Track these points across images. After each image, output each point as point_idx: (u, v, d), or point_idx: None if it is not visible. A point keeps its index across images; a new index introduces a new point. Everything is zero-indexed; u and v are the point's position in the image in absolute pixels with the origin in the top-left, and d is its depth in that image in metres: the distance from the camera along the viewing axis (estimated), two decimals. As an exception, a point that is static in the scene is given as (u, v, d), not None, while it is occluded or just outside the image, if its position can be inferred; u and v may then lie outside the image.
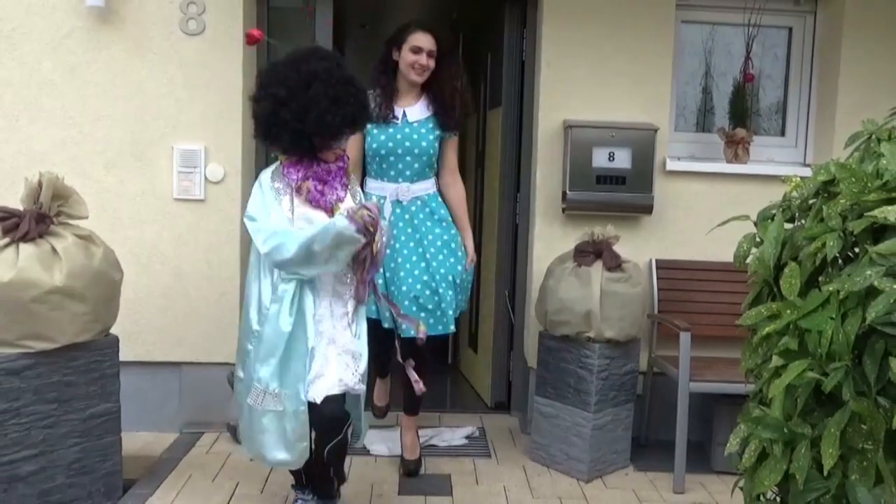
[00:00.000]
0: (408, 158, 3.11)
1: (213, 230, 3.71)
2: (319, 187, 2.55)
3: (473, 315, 4.71)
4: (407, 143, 3.10)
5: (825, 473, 1.48)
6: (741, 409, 1.84)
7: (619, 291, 3.29)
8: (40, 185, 2.69)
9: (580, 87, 3.77)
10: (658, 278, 3.76)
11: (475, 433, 3.88)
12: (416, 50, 3.07)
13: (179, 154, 3.66)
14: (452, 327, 3.17)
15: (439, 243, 3.15)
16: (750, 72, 3.95)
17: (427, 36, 3.08)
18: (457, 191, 3.32)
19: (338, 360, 2.54)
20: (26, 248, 2.60)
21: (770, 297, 1.78)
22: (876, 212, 1.48)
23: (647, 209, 3.75)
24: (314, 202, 2.54)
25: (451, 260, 3.16)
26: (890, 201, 1.50)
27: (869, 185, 1.58)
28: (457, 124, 3.22)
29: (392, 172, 3.13)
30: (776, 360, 1.61)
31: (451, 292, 3.13)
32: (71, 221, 2.77)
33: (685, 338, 3.23)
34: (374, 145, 3.11)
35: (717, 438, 3.44)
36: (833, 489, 1.51)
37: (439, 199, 3.24)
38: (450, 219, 3.23)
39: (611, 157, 3.69)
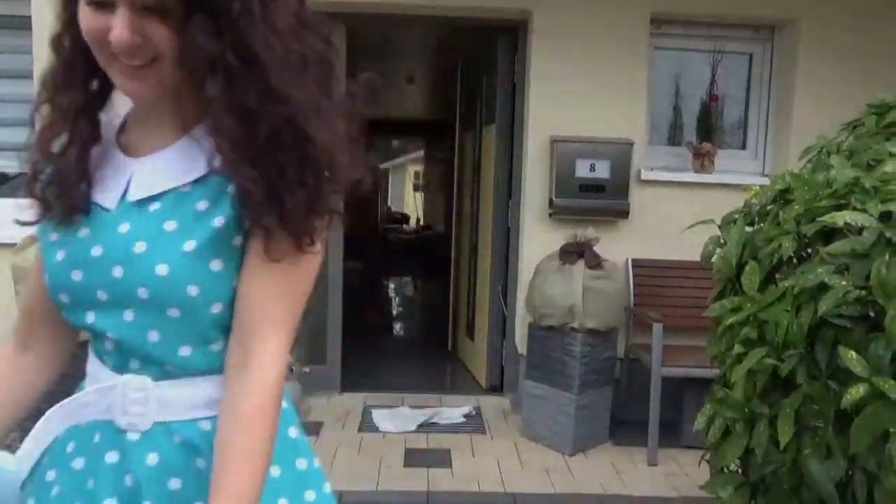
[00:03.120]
0: (125, 312, 0.82)
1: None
2: None
3: (470, 307, 4.70)
4: (116, 273, 0.80)
5: (781, 448, 1.48)
6: (707, 391, 1.84)
7: (599, 287, 3.29)
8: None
9: (565, 107, 3.76)
10: (634, 275, 3.76)
11: (472, 412, 3.87)
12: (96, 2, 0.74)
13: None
14: None
15: None
16: (715, 93, 3.95)
17: None
18: (250, 407, 0.80)
19: None
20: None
21: (732, 291, 1.78)
22: (826, 217, 1.48)
23: (625, 214, 3.74)
24: None
25: None
26: (839, 207, 1.51)
27: (820, 193, 1.58)
28: (286, 209, 0.78)
29: (110, 352, 0.89)
30: (738, 348, 1.62)
31: None
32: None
33: (657, 328, 3.23)
34: (46, 277, 0.88)
35: (686, 417, 3.43)
36: (788, 462, 1.51)
37: None
38: None
39: (592, 168, 3.69)
